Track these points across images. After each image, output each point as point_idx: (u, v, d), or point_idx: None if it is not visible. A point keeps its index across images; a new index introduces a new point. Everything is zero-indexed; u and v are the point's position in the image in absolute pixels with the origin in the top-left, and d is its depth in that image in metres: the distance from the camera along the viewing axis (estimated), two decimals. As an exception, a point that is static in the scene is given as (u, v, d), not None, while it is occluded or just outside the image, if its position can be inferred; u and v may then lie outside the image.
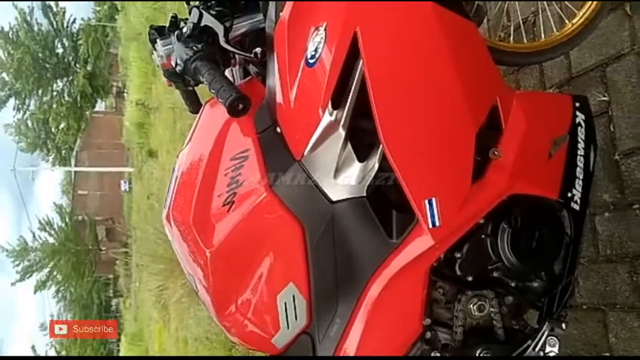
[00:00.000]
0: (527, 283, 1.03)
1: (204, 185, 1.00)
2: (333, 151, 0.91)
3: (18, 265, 22.95)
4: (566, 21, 1.45)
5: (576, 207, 1.02)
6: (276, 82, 0.97)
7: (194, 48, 0.97)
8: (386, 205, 0.95)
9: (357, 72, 0.87)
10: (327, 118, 0.88)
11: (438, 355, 0.97)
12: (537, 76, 1.84)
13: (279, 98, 0.96)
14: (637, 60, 1.47)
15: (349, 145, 0.91)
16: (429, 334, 0.97)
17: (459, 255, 0.97)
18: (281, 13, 0.96)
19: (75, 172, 25.98)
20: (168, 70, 1.08)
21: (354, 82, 0.87)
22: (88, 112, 25.39)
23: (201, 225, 0.99)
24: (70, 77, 24.00)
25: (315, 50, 0.89)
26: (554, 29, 1.45)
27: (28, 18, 22.55)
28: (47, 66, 23.19)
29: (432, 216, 0.89)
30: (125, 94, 20.48)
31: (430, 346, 0.97)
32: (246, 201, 0.96)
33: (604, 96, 1.56)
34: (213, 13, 1.02)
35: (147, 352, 10.37)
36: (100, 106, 27.36)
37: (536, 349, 0.98)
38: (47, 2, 23.04)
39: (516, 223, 0.96)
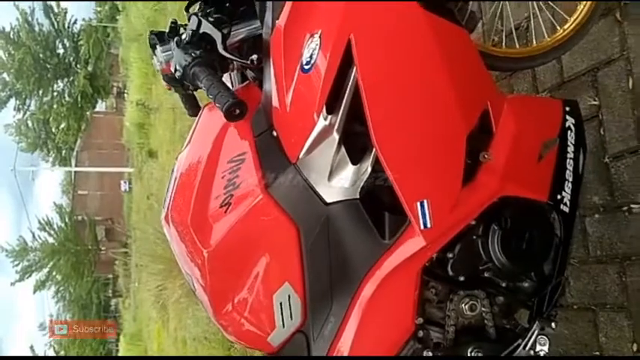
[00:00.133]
0: (517, 283, 1.04)
1: (202, 187, 1.02)
2: (327, 154, 0.93)
3: (17, 265, 22.91)
4: (558, 27, 1.47)
5: (566, 209, 1.04)
6: (272, 87, 0.99)
7: (193, 54, 0.99)
8: (379, 207, 0.97)
9: (351, 78, 0.89)
10: (321, 123, 0.90)
11: (430, 354, 0.98)
12: (530, 80, 1.86)
13: (275, 103, 0.98)
14: (626, 65, 1.49)
15: (343, 149, 0.92)
16: (421, 333, 0.98)
17: (450, 255, 0.99)
18: (277, 20, 0.98)
19: (75, 172, 25.90)
20: (167, 75, 1.10)
21: (348, 87, 0.89)
22: (88, 113, 25.32)
23: (198, 226, 1.01)
24: (71, 77, 23.91)
25: (311, 56, 0.91)
26: (546, 35, 1.48)
27: (30, 18, 22.50)
28: (48, 66, 23.11)
29: (424, 217, 0.91)
30: (125, 95, 20.42)
31: (422, 344, 0.98)
32: (242, 203, 0.98)
33: (595, 100, 1.58)
34: (212, 20, 1.04)
35: (146, 352, 10.32)
36: (100, 106, 27.32)
37: (527, 347, 0.99)
38: (48, 2, 23.04)
39: (507, 225, 0.98)
